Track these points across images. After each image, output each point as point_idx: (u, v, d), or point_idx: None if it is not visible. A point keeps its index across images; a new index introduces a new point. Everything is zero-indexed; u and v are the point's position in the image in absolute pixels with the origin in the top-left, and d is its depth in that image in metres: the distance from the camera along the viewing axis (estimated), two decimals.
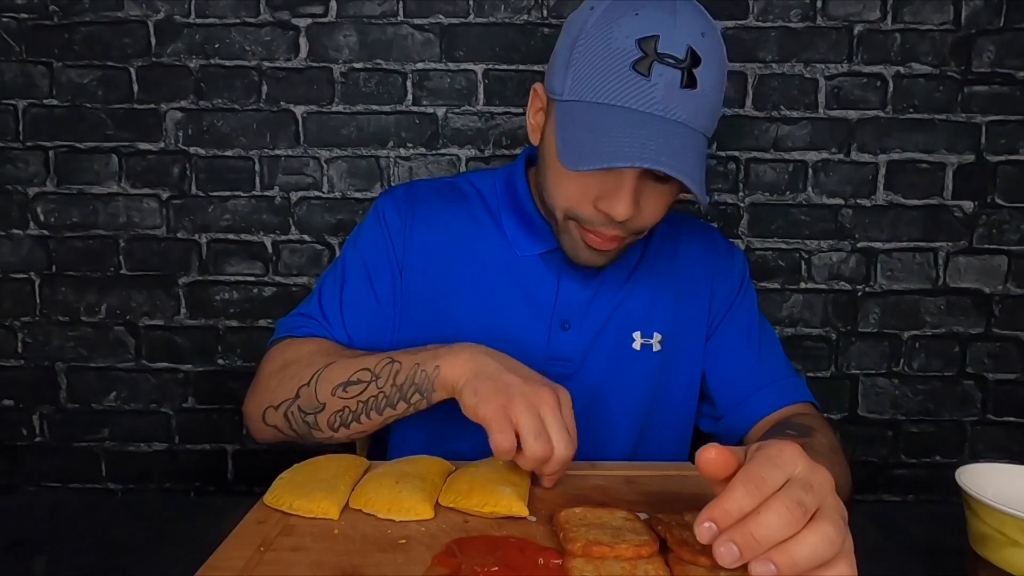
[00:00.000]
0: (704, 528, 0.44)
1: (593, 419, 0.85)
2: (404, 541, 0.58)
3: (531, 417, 0.62)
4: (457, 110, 1.45)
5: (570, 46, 0.73)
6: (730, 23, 1.43)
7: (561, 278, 0.86)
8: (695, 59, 0.68)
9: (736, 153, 1.46)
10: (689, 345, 0.90)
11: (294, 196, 1.47)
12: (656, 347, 0.87)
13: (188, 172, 1.47)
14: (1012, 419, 1.51)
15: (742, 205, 1.47)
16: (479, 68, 1.44)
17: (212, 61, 1.44)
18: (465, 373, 0.68)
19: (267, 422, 0.81)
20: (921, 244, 1.47)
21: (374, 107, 1.45)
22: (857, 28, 1.42)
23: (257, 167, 1.47)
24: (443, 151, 1.46)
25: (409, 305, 0.88)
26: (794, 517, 0.43)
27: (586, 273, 0.86)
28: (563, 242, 0.81)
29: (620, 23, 0.69)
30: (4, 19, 1.42)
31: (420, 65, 1.44)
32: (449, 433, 0.83)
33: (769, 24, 1.43)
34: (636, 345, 0.87)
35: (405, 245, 0.88)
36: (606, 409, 0.86)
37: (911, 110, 1.44)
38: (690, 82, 0.68)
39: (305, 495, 0.62)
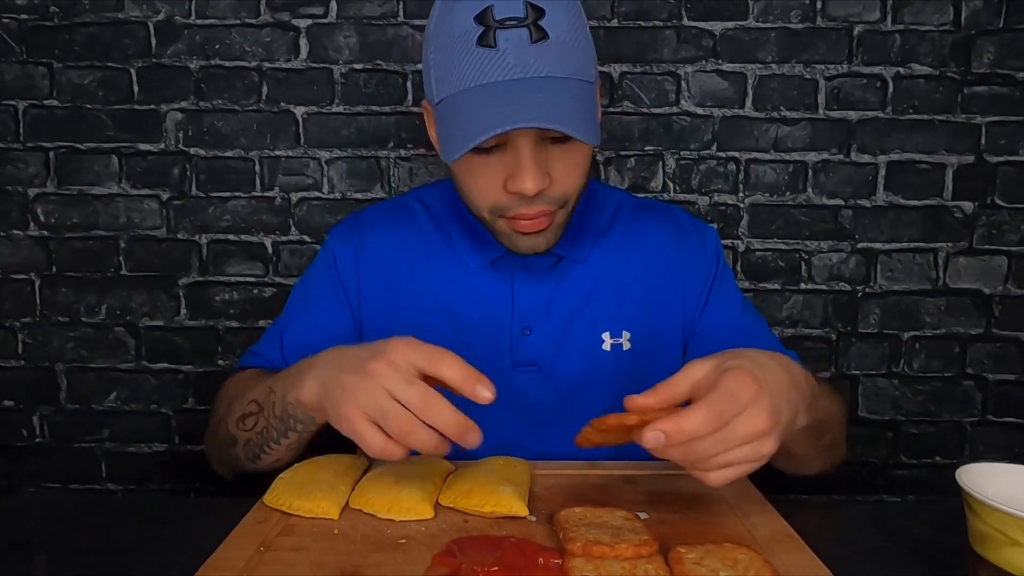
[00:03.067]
0: (651, 436, 0.52)
1: (568, 422, 0.84)
2: (404, 541, 0.58)
3: (373, 405, 0.56)
4: None
5: (427, 53, 0.74)
6: (730, 24, 1.43)
7: (514, 284, 0.85)
8: (537, 11, 0.68)
9: (736, 154, 1.46)
10: (664, 340, 0.88)
11: (294, 197, 1.47)
12: (627, 346, 0.86)
13: (188, 173, 1.47)
14: (1012, 419, 1.50)
15: (742, 206, 1.47)
16: None
17: (212, 62, 1.44)
18: (316, 395, 0.63)
19: (210, 455, 0.84)
20: (921, 245, 1.47)
21: (374, 107, 1.45)
22: (857, 29, 1.42)
23: (257, 168, 1.47)
24: None
25: (371, 332, 0.88)
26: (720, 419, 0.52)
27: (540, 275, 0.85)
28: (502, 241, 0.80)
29: (455, 10, 0.70)
30: (4, 20, 1.42)
31: (420, 65, 1.44)
32: None
33: (769, 25, 1.43)
34: (606, 346, 0.86)
35: (359, 276, 0.88)
36: (581, 412, 0.84)
37: (911, 111, 1.44)
38: (540, 35, 0.68)
39: (305, 495, 0.62)
